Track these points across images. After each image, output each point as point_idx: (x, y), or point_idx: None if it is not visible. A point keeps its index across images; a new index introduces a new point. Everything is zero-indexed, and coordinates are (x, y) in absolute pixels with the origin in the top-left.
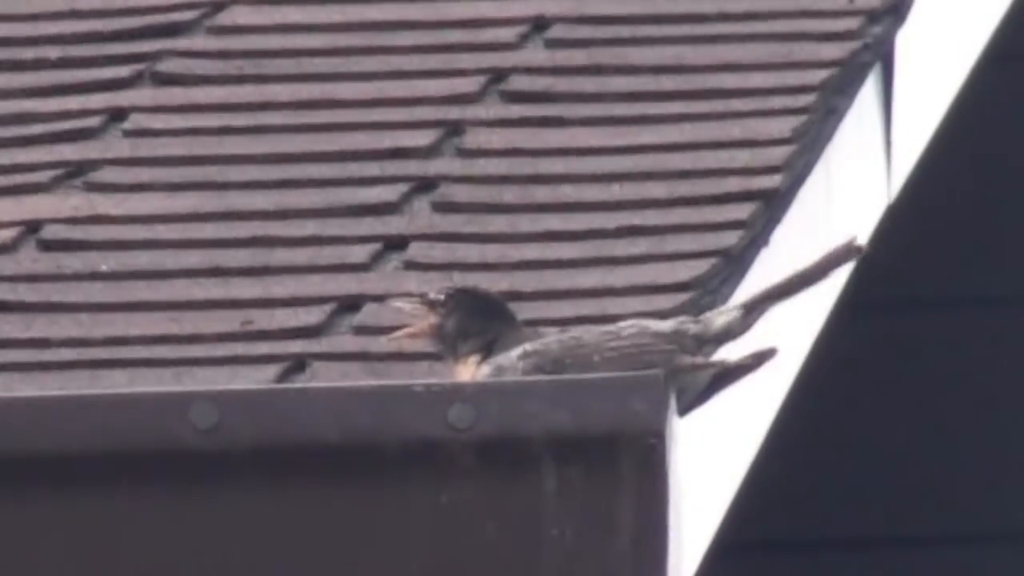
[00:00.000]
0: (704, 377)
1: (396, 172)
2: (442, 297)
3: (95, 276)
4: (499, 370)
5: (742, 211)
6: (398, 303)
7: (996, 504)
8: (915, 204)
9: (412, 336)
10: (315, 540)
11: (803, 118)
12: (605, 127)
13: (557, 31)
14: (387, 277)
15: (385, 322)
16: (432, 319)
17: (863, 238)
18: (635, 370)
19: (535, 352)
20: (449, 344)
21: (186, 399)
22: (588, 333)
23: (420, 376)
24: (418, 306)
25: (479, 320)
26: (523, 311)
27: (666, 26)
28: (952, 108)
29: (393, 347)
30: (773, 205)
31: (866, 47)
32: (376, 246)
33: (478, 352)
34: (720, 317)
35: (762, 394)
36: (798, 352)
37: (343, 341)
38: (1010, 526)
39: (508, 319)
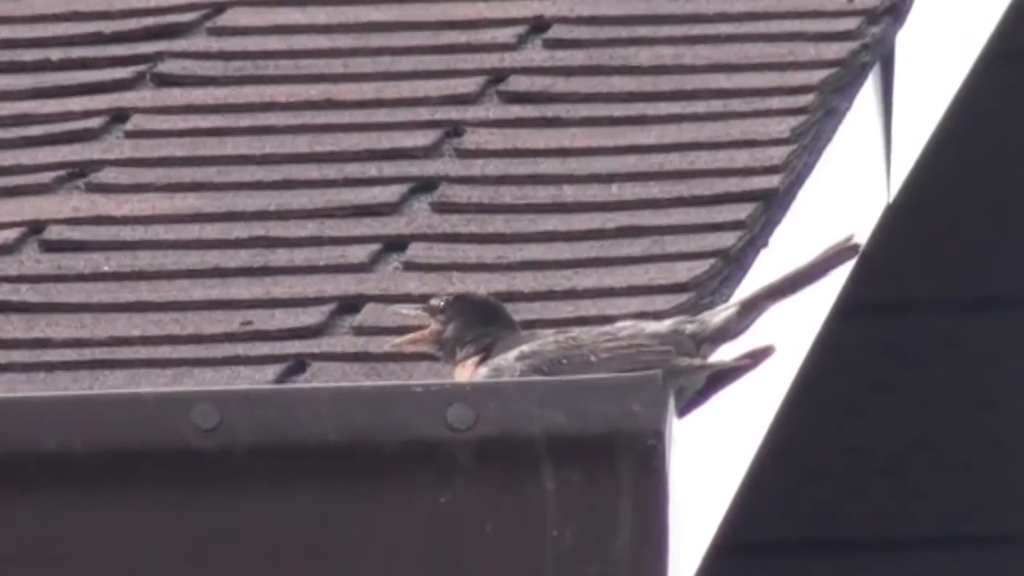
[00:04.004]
0: (701, 377)
1: (395, 173)
2: (442, 304)
3: (97, 276)
4: (497, 371)
5: (741, 211)
6: (402, 309)
7: (997, 505)
8: (915, 204)
9: (413, 343)
10: (315, 539)
11: (802, 118)
12: (604, 127)
13: (556, 32)
14: (387, 277)
15: (384, 323)
16: (433, 325)
17: (860, 236)
18: (632, 370)
19: (532, 353)
20: (449, 349)
21: (188, 399)
22: (585, 334)
23: (419, 376)
24: (420, 312)
25: (478, 325)
26: (522, 312)
27: (665, 27)
28: (952, 108)
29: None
30: (772, 205)
31: (866, 47)
32: (376, 246)
33: (476, 356)
34: (717, 316)
35: (761, 394)
36: (797, 353)
37: (343, 341)
38: (1011, 528)
39: (507, 323)
